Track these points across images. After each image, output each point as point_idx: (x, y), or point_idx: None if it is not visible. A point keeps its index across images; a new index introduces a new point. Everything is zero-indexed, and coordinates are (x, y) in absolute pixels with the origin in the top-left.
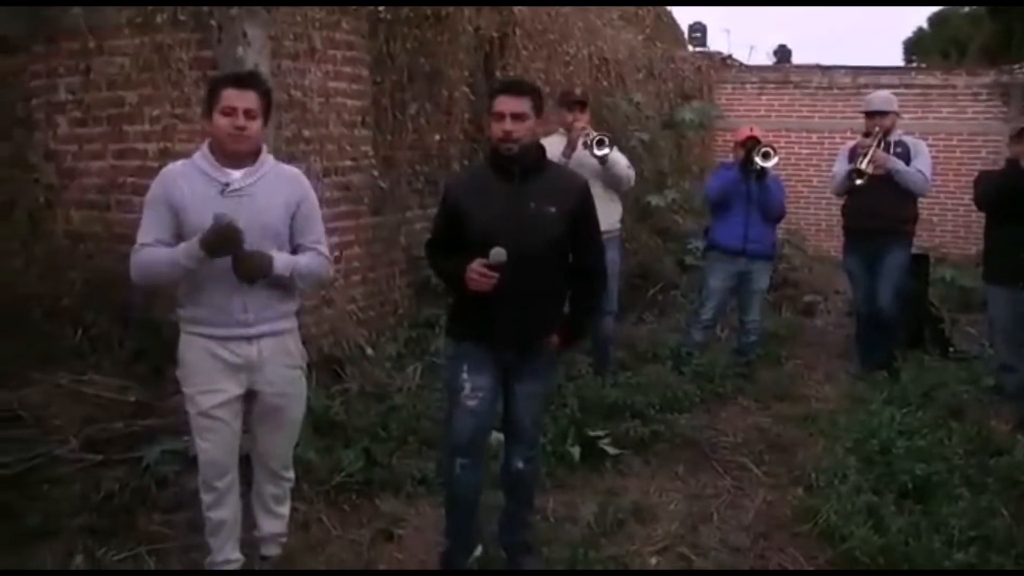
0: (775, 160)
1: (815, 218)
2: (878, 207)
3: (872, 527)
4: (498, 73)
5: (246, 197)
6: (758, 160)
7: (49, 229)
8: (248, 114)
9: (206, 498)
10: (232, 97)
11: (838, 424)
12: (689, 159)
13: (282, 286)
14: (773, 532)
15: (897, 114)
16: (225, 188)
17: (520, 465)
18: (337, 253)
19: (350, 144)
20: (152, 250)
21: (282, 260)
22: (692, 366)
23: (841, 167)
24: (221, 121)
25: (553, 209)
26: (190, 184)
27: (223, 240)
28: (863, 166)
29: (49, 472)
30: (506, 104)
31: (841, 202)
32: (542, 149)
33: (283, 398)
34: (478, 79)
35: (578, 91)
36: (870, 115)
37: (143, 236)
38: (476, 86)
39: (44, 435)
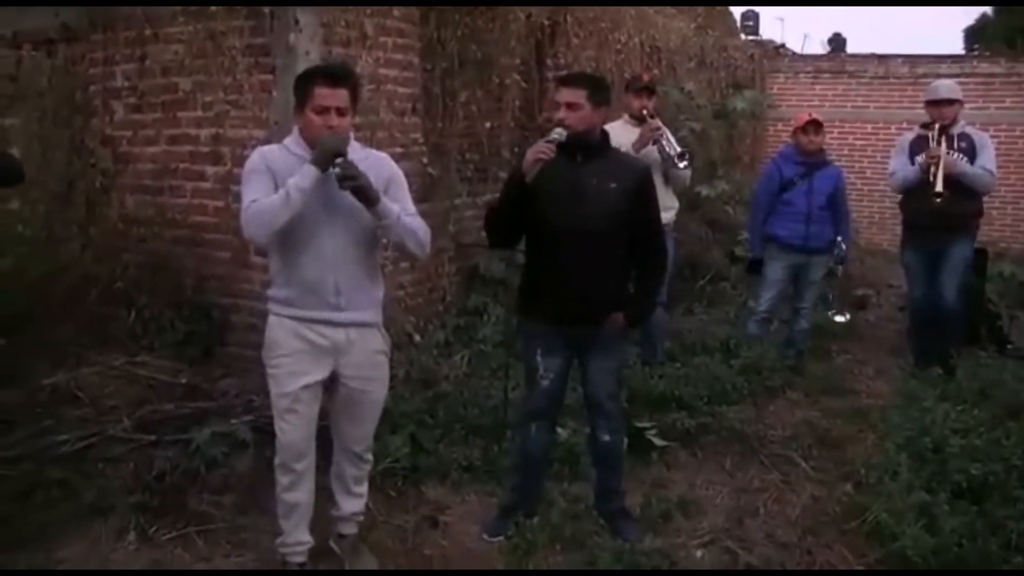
0: None
1: (868, 211)
2: (941, 205)
3: (924, 527)
4: (549, 61)
5: None
6: None
7: (104, 213)
8: (339, 112)
9: (283, 480)
10: (325, 96)
11: (889, 420)
12: (740, 149)
13: (373, 266)
14: (821, 528)
15: (962, 103)
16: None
17: (606, 438)
18: (385, 240)
19: (400, 131)
20: (263, 199)
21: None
22: (741, 359)
23: (899, 163)
24: (315, 119)
25: (613, 185)
26: (288, 166)
27: (331, 148)
28: (940, 188)
29: (104, 451)
30: (561, 95)
31: (896, 196)
32: (605, 135)
33: (368, 382)
34: (529, 67)
35: (645, 77)
36: (934, 103)
37: (251, 195)
38: (527, 74)
39: (99, 415)
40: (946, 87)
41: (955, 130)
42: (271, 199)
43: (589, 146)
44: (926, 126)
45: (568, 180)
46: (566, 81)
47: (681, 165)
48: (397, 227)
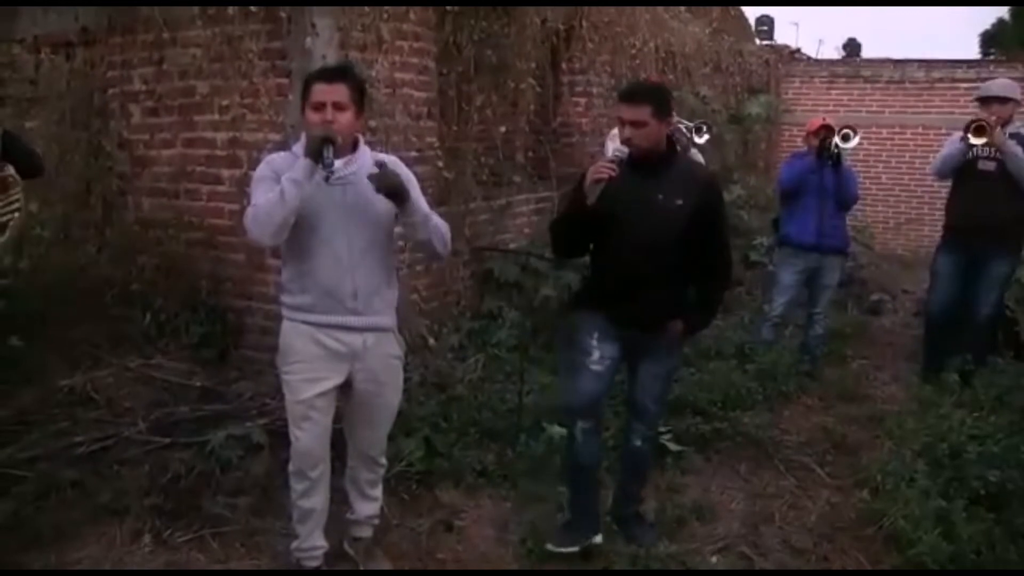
0: (856, 140)
1: (883, 216)
2: (987, 204)
3: (941, 534)
4: (564, 65)
5: (350, 184)
6: (838, 141)
7: (121, 215)
8: (337, 107)
9: (298, 487)
10: (321, 92)
11: (905, 426)
12: (755, 154)
13: (389, 269)
14: (836, 534)
15: (1017, 103)
16: (330, 175)
17: (638, 443)
18: (401, 243)
19: (416, 135)
20: (261, 201)
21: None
22: (756, 364)
23: (950, 150)
24: (312, 116)
25: (680, 202)
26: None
27: (320, 135)
28: (992, 120)
29: (119, 453)
30: (625, 112)
31: (923, 200)
32: (671, 144)
33: (382, 387)
34: (544, 71)
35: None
36: (986, 102)
37: (255, 200)
38: (542, 78)
39: (115, 417)
40: (997, 85)
41: (1007, 130)
42: (268, 197)
43: (656, 160)
44: None
45: (634, 195)
46: (628, 98)
47: (700, 140)
48: (426, 225)
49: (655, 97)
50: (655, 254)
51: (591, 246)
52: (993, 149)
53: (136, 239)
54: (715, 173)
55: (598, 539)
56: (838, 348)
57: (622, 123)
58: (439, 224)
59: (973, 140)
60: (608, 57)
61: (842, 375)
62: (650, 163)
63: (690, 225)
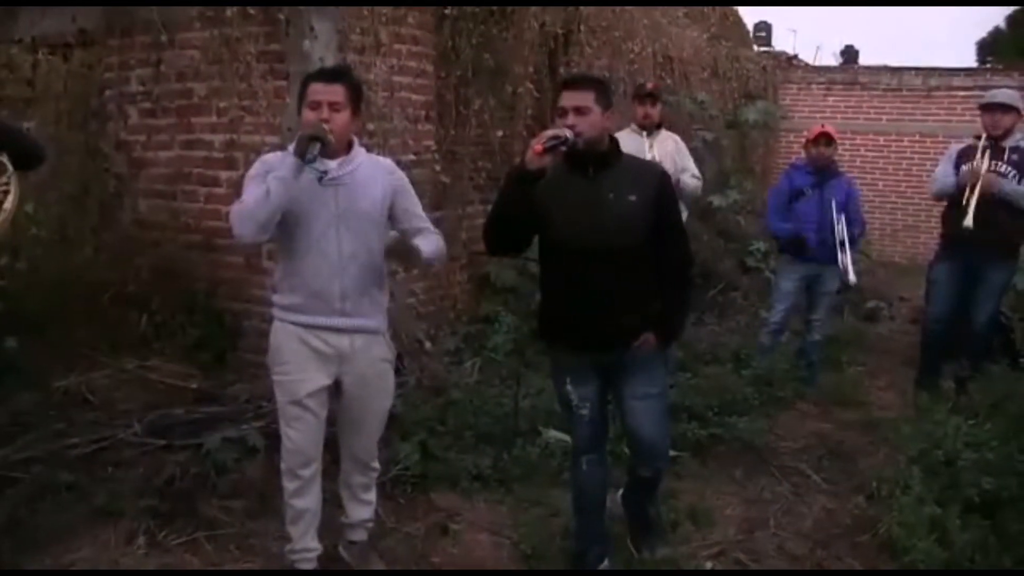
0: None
1: (880, 223)
2: (985, 218)
3: (936, 540)
4: (562, 70)
5: (343, 186)
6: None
7: (118, 217)
8: (333, 107)
9: (289, 486)
10: (318, 92)
11: (901, 432)
12: (752, 160)
13: (379, 272)
14: (832, 541)
15: (1019, 114)
16: (323, 176)
17: (647, 474)
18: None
19: (413, 138)
20: (249, 197)
21: (427, 246)
22: (752, 369)
23: (943, 171)
24: (308, 115)
25: (633, 198)
26: None
27: (308, 134)
28: (969, 220)
29: (115, 455)
30: (567, 99)
31: (920, 208)
32: (615, 141)
33: (371, 391)
34: (542, 75)
35: (649, 85)
36: (989, 110)
37: (244, 196)
38: (540, 83)
39: (110, 419)
40: (1003, 94)
41: (1008, 142)
42: (254, 194)
43: (601, 156)
44: (979, 138)
45: (584, 196)
46: (571, 84)
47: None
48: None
49: (598, 84)
50: (614, 257)
51: (540, 263)
52: (994, 162)
53: (133, 241)
54: (663, 168)
55: (605, 564)
56: (834, 354)
57: (564, 112)
58: (438, 247)
59: (966, 224)
60: (606, 62)
61: (838, 381)
62: (594, 159)
63: (647, 221)
